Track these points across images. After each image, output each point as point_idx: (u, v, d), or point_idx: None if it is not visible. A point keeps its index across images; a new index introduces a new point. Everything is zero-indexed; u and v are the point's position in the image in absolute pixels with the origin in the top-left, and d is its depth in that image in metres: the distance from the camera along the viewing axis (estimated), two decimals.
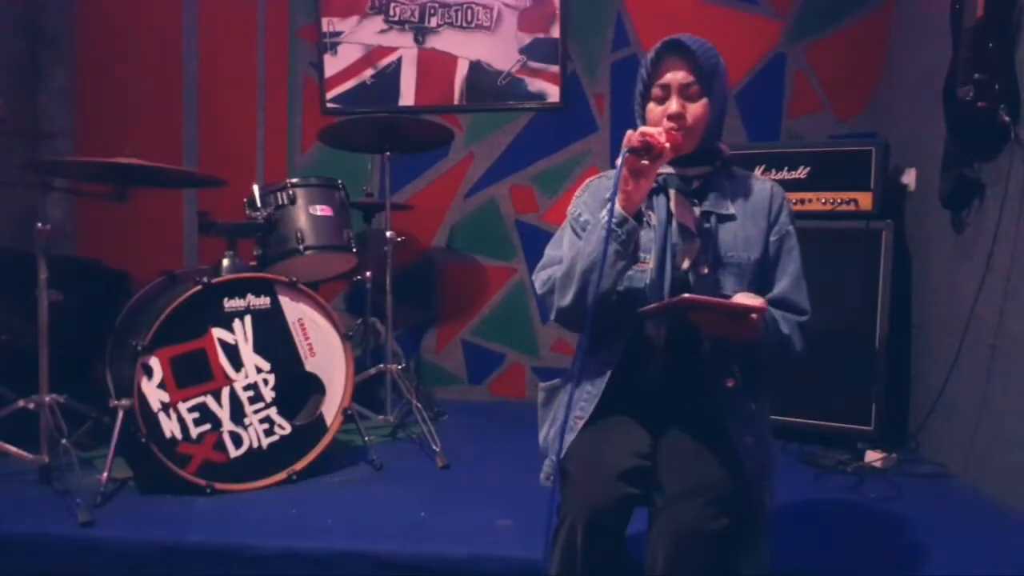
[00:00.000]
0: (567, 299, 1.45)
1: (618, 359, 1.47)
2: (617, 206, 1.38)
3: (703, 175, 1.51)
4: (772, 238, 1.50)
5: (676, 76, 1.45)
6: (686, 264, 1.45)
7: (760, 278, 1.49)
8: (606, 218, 1.36)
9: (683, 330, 1.43)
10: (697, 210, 1.48)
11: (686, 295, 1.33)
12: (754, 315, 1.32)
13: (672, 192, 1.49)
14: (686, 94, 1.46)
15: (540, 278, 1.55)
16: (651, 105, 1.49)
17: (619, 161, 1.35)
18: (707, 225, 1.47)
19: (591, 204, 1.55)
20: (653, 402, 1.48)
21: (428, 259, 3.64)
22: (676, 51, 1.46)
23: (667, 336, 1.47)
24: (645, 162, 1.37)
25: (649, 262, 1.45)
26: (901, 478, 2.40)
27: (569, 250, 1.50)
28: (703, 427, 1.43)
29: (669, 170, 1.49)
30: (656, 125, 1.44)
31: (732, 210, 1.49)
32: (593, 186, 1.60)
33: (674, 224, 1.46)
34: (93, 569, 1.86)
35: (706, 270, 1.45)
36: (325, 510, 2.08)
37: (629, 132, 1.37)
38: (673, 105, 1.45)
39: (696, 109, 1.46)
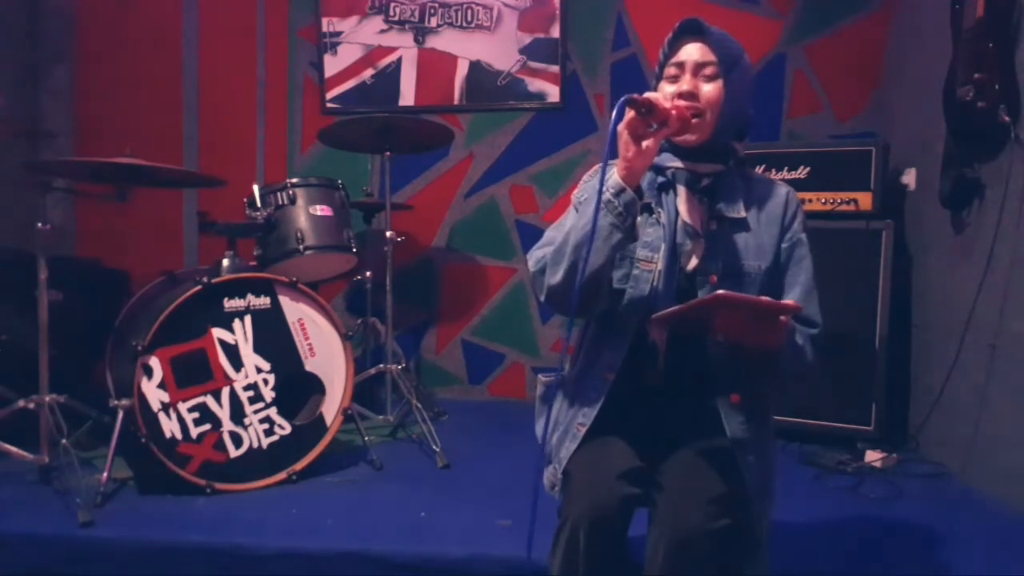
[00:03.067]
0: (558, 276, 1.36)
1: (621, 363, 1.43)
2: (615, 175, 1.31)
3: (714, 173, 1.43)
4: (784, 245, 1.43)
5: (691, 55, 1.39)
6: (691, 265, 1.40)
7: (770, 288, 1.41)
8: (606, 191, 1.28)
9: (687, 335, 1.39)
10: (706, 210, 1.42)
11: (721, 292, 1.21)
12: (783, 317, 1.25)
13: (681, 189, 1.42)
14: (701, 74, 1.39)
15: (534, 256, 1.45)
16: (663, 84, 1.42)
17: (614, 114, 1.24)
18: (716, 229, 1.41)
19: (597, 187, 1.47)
20: (655, 407, 1.46)
21: (428, 259, 3.64)
22: (694, 31, 1.41)
23: (670, 341, 1.42)
24: (651, 128, 1.28)
25: (657, 262, 1.39)
26: (901, 478, 2.41)
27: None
28: (705, 435, 1.41)
29: (678, 164, 1.41)
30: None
31: (744, 214, 1.42)
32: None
33: (680, 222, 1.40)
34: (93, 569, 1.86)
35: (714, 279, 1.38)
36: (325, 510, 2.08)
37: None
38: (685, 84, 1.39)
39: (710, 91, 1.38)
